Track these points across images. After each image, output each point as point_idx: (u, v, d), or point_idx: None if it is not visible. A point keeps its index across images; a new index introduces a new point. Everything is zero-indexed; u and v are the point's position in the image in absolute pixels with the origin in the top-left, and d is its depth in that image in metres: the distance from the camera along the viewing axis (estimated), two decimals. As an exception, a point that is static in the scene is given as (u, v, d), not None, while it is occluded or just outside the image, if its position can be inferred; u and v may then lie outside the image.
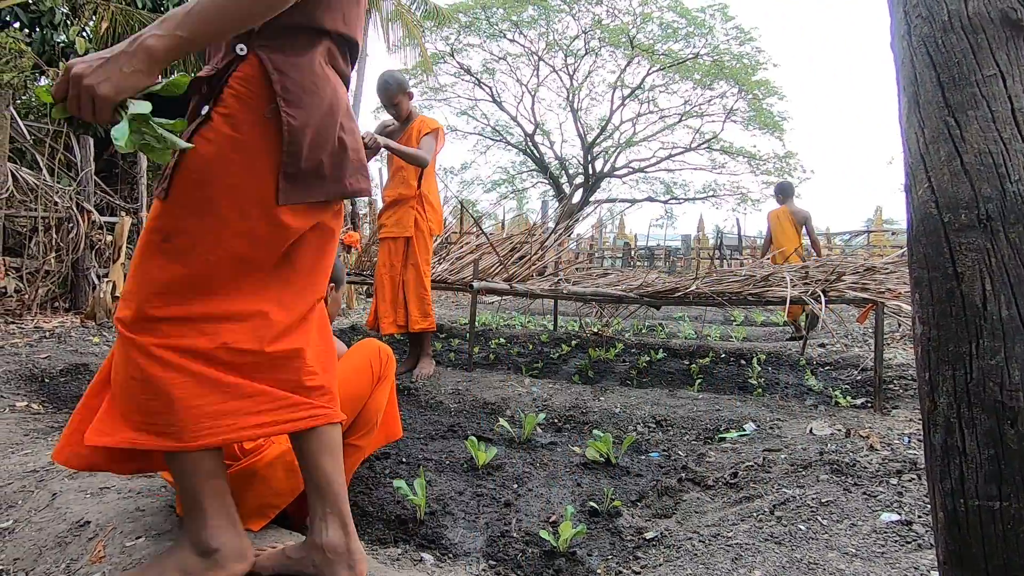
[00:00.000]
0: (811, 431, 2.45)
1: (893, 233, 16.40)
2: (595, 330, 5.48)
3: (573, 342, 5.07)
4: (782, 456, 2.15)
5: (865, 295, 2.95)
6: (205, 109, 1.06)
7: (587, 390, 3.29)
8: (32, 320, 4.99)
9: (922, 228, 0.73)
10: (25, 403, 2.76)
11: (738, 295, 3.31)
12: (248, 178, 1.05)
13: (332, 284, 1.80)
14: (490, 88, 20.08)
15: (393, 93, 3.30)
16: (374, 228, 4.42)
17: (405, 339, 4.52)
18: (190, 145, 1.00)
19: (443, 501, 1.91)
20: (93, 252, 5.56)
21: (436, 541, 1.70)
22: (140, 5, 6.58)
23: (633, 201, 22.20)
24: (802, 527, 1.59)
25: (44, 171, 5.43)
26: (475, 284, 3.66)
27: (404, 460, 2.24)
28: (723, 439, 2.59)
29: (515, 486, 2.06)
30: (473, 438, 2.19)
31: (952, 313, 0.69)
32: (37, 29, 5.49)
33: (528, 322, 6.71)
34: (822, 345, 4.96)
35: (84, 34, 5.58)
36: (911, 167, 0.73)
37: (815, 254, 5.77)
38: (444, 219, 3.97)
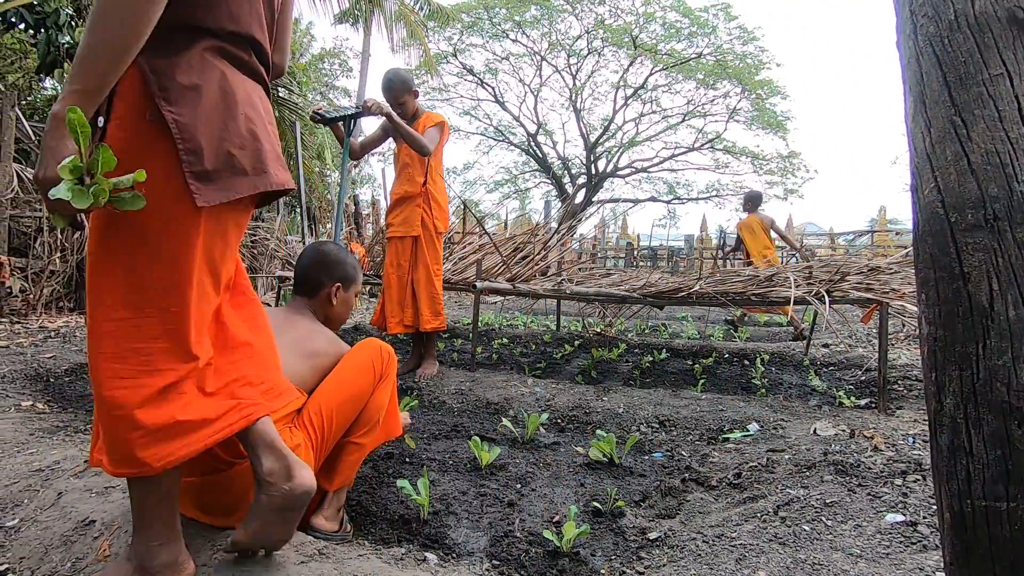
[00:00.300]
0: (815, 431, 2.44)
1: (897, 233, 16.34)
2: (598, 330, 5.48)
3: (576, 342, 5.06)
4: (786, 456, 2.15)
5: (869, 295, 2.94)
6: (101, 121, 1.06)
7: (590, 390, 3.29)
8: (37, 320, 5.01)
9: (928, 228, 0.72)
10: (30, 402, 2.77)
11: (742, 295, 3.31)
12: (152, 184, 1.03)
13: (339, 285, 1.80)
14: (493, 88, 20.10)
15: (399, 92, 3.28)
16: (377, 228, 4.43)
17: (406, 339, 4.53)
18: (142, 173, 0.99)
19: (446, 501, 1.91)
20: (98, 252, 5.58)
21: (440, 541, 1.70)
22: (144, 6, 6.61)
23: (636, 201, 22.20)
24: (806, 528, 1.58)
25: (49, 171, 5.45)
26: (478, 284, 3.66)
27: (408, 460, 2.25)
28: (727, 439, 2.59)
29: (518, 486, 2.06)
30: (476, 438, 2.19)
31: (959, 313, 0.68)
32: (42, 30, 5.52)
33: (531, 322, 6.71)
34: (826, 345, 4.94)
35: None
36: (917, 167, 0.73)
37: (792, 250, 6.10)
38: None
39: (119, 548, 1.37)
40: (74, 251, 5.44)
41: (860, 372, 3.89)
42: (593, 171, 20.56)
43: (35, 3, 5.40)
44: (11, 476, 1.80)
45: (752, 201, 6.60)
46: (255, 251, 7.33)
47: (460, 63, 19.47)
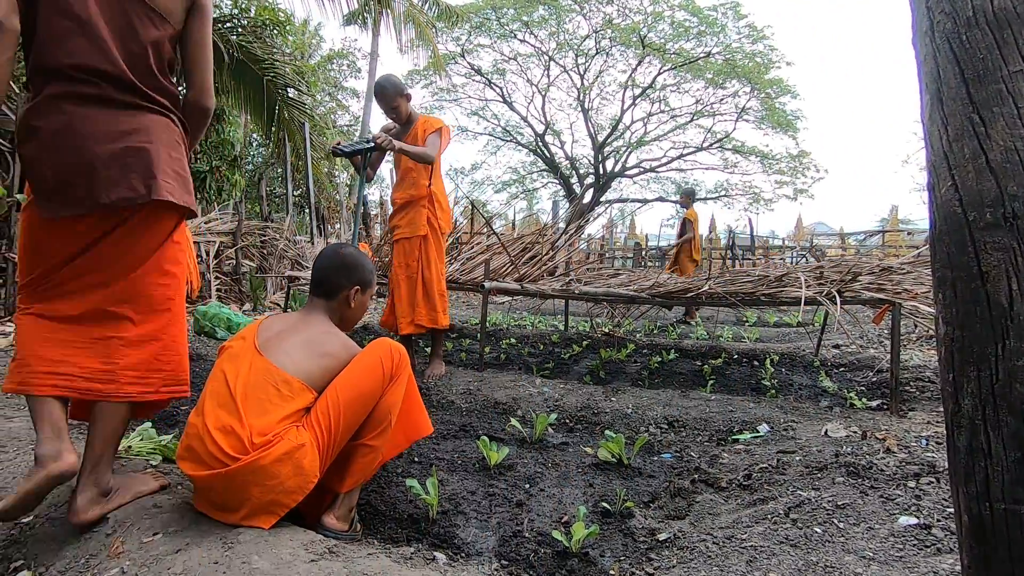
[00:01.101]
0: (826, 433, 2.42)
1: (909, 233, 16.18)
2: (606, 331, 5.46)
3: (584, 342, 5.05)
4: (796, 458, 2.13)
5: (881, 295, 2.91)
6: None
7: (599, 390, 3.28)
8: None
9: (945, 227, 0.71)
10: (44, 401, 2.79)
11: (751, 295, 3.29)
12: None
13: (357, 288, 1.80)
14: (500, 88, 20.12)
15: (391, 97, 3.31)
16: (385, 228, 4.44)
17: (414, 338, 4.54)
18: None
19: (455, 500, 1.91)
20: (110, 252, 5.63)
21: (448, 540, 1.70)
22: (156, 8, 6.67)
23: (644, 201, 22.14)
24: (818, 530, 1.57)
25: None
26: (486, 284, 3.67)
27: (416, 459, 2.25)
28: (736, 440, 2.57)
29: (527, 486, 2.06)
30: (485, 438, 2.19)
31: (977, 313, 0.67)
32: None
33: (539, 322, 6.71)
34: (836, 346, 4.90)
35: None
36: (934, 165, 0.72)
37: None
38: (455, 219, 4.00)
39: (132, 545, 1.39)
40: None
41: (871, 373, 3.85)
42: (601, 171, 20.53)
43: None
44: (25, 473, 1.82)
45: (689, 196, 7.69)
46: (265, 251, 7.38)
47: (468, 63, 19.51)
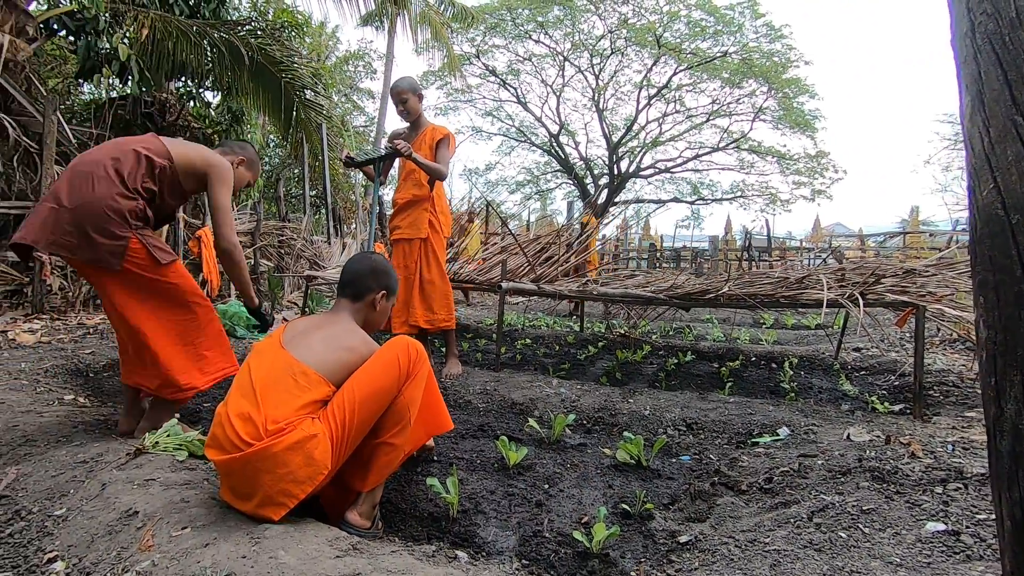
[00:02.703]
0: (848, 437, 2.39)
1: (931, 235, 15.89)
2: (622, 332, 5.44)
3: (600, 343, 5.04)
4: (819, 462, 2.11)
5: (905, 298, 2.87)
6: None
7: (615, 392, 3.27)
8: (76, 316, 5.17)
9: (987, 230, 0.70)
10: (72, 396, 2.86)
11: (771, 297, 3.25)
12: None
13: (384, 292, 1.85)
14: (515, 89, 20.11)
15: (402, 89, 3.37)
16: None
17: (430, 337, 4.56)
18: None
19: (475, 500, 1.92)
20: (132, 251, 5.74)
21: (469, 539, 1.71)
22: (178, 12, 6.78)
23: (659, 202, 22.00)
24: (843, 535, 1.55)
25: (87, 173, 5.63)
26: (503, 284, 3.67)
27: (435, 458, 2.26)
28: (756, 443, 2.55)
29: (546, 486, 2.06)
30: (504, 438, 2.20)
31: (1020, 316, 0.66)
32: (82, 36, 5.70)
33: (554, 323, 6.70)
34: (857, 349, 4.84)
35: (125, 41, 5.75)
36: (975, 167, 0.71)
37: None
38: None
39: (162, 539, 1.42)
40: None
41: (894, 377, 3.79)
42: (615, 171, 20.44)
43: (76, 10, 5.58)
44: (58, 467, 1.87)
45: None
46: (283, 251, 7.46)
47: (483, 64, 19.54)
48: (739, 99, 18.80)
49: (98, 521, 1.55)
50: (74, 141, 5.63)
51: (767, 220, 13.97)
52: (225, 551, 1.32)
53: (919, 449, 2.07)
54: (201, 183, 2.22)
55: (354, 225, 10.25)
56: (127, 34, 5.91)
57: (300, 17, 8.26)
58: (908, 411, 2.91)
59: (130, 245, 2.05)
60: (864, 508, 1.67)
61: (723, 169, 20.25)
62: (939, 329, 4.84)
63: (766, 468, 2.18)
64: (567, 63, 19.04)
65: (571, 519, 1.85)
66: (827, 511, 1.69)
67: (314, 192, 9.48)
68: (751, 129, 18.98)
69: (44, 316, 4.99)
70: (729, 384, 3.55)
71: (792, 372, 3.92)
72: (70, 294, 5.38)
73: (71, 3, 5.66)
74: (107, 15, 5.62)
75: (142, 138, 2.21)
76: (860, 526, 1.58)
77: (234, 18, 7.54)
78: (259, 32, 7.28)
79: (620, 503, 1.93)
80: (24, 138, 5.04)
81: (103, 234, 2.01)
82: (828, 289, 3.02)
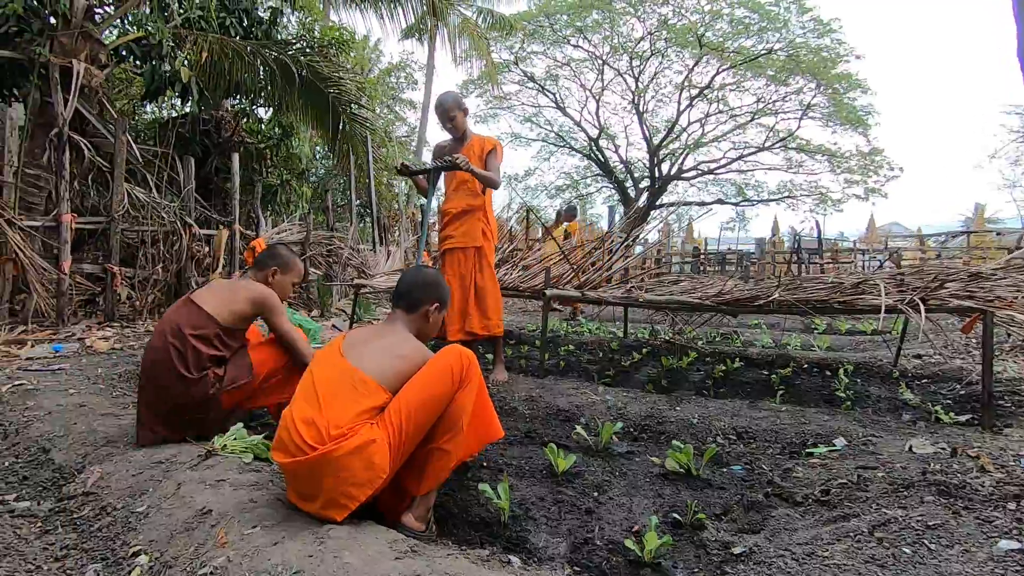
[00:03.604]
0: (911, 448, 2.30)
1: (999, 233, 14.96)
2: (667, 338, 5.37)
3: (644, 350, 4.99)
4: (879, 474, 2.04)
5: (971, 304, 2.74)
6: None
7: (662, 399, 3.24)
8: (143, 324, 5.50)
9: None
10: (144, 400, 3.04)
11: (825, 303, 3.16)
12: None
13: (437, 304, 1.92)
14: (554, 94, 20.16)
15: (449, 106, 3.43)
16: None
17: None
18: None
19: (525, 506, 1.95)
20: (193, 262, 6.07)
21: (521, 545, 1.74)
22: (233, 33, 7.14)
23: (702, 204, 21.56)
24: (907, 550, 1.50)
25: (153, 189, 5.99)
26: (547, 292, 3.70)
27: (485, 464, 2.31)
28: (810, 454, 2.48)
29: (595, 494, 2.07)
30: (552, 445, 2.22)
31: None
32: (148, 61, 6.08)
33: (597, 329, 6.67)
34: (918, 356, 4.62)
35: (186, 63, 6.10)
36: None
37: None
38: (511, 227, 4.07)
39: (234, 536, 1.51)
40: (174, 261, 5.93)
41: (959, 386, 3.61)
42: (657, 174, 20.17)
43: (143, 37, 5.96)
44: (137, 467, 2.01)
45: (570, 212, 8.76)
46: (330, 259, 7.71)
47: (521, 71, 19.68)
48: (786, 96, 18.28)
49: (175, 518, 1.66)
50: (140, 160, 5.99)
51: (817, 221, 13.49)
52: (293, 550, 1.39)
53: (989, 462, 1.98)
54: (256, 314, 2.33)
55: (398, 233, 10.48)
56: (188, 57, 6.27)
57: (346, 33, 8.53)
58: (976, 422, 2.78)
59: (209, 379, 2.21)
60: (930, 523, 1.61)
61: (769, 169, 19.71)
62: (1009, 335, 4.57)
63: (822, 480, 2.13)
64: (606, 66, 18.96)
65: (621, 527, 1.85)
66: (889, 526, 1.64)
67: (359, 202, 9.77)
68: (799, 127, 18.42)
69: (115, 324, 5.32)
70: (780, 392, 3.47)
71: (847, 380, 3.78)
72: (137, 303, 5.72)
73: (138, 31, 6.05)
74: (170, 40, 5.97)
75: (189, 316, 2.22)
76: (926, 542, 1.53)
77: (284, 37, 7.87)
78: (308, 50, 7.58)
79: (671, 512, 1.93)
80: (97, 158, 5.41)
81: (197, 411, 2.21)
82: (886, 295, 2.91)
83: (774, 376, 3.91)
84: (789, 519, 1.85)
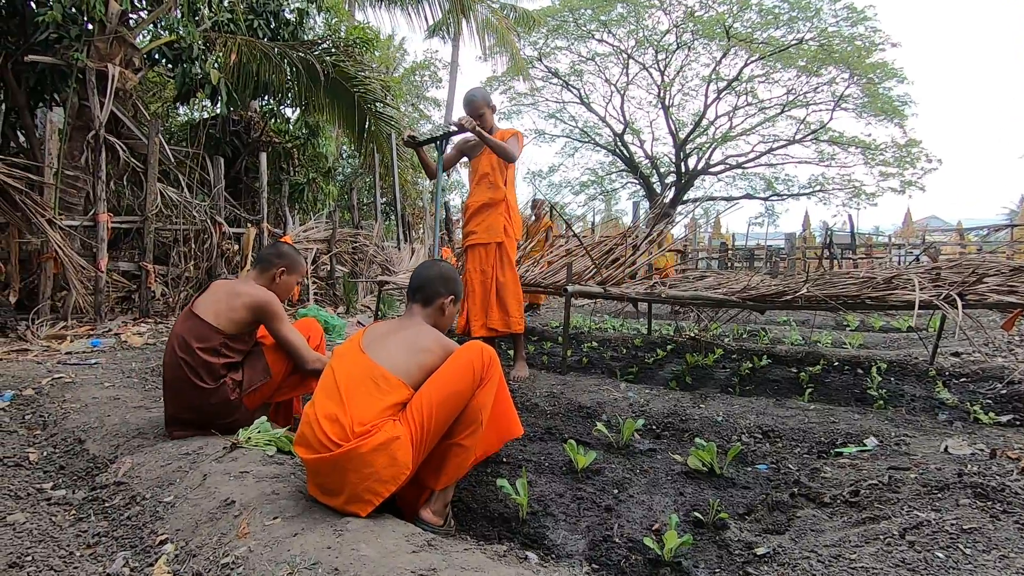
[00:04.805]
0: (946, 449, 2.21)
1: (1045, 227, 14.30)
2: (692, 334, 5.29)
3: (668, 346, 4.92)
4: (911, 476, 1.96)
5: (1013, 299, 2.62)
6: None
7: (686, 396, 3.19)
8: (175, 320, 5.66)
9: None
10: (175, 394, 3.13)
11: (855, 299, 3.06)
12: None
13: (452, 297, 1.93)
14: (578, 90, 20.01)
15: (479, 104, 3.46)
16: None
17: (497, 341, 4.62)
18: None
19: (544, 502, 1.94)
20: (223, 259, 6.22)
21: (539, 541, 1.73)
22: (261, 35, 7.28)
23: (729, 199, 21.15)
24: (940, 555, 1.45)
25: (184, 189, 6.15)
26: (569, 288, 3.67)
27: (504, 460, 2.30)
28: (839, 454, 2.41)
29: (615, 491, 2.05)
30: (572, 442, 2.20)
31: None
32: (180, 64, 6.24)
33: (621, 326, 6.61)
34: (956, 354, 4.45)
35: (216, 66, 6.23)
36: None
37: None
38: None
39: (256, 527, 1.53)
40: (205, 259, 6.09)
41: (1000, 385, 3.46)
42: (683, 169, 19.86)
43: (174, 40, 6.11)
44: (166, 458, 2.06)
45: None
46: (356, 256, 7.80)
47: (545, 67, 19.59)
48: (817, 88, 17.77)
49: (201, 508, 1.70)
50: (172, 160, 6.16)
51: (850, 215, 13.07)
52: (312, 541, 1.41)
53: (1030, 465, 1.89)
54: (257, 320, 2.29)
55: (422, 230, 10.56)
56: (218, 60, 6.41)
57: (371, 32, 8.61)
58: (1018, 422, 2.66)
59: (228, 386, 2.26)
60: (965, 527, 1.54)
61: (800, 162, 19.26)
62: (1055, 332, 4.37)
63: (851, 480, 2.06)
64: (631, 60, 18.73)
65: (641, 525, 1.83)
66: (922, 529, 1.58)
67: (384, 200, 9.87)
68: (831, 119, 17.90)
69: (149, 320, 5.49)
70: (809, 390, 3.37)
71: (880, 378, 3.66)
72: (170, 300, 5.89)
73: (170, 34, 6.21)
74: (200, 43, 6.12)
75: (193, 330, 2.21)
76: (960, 546, 1.47)
77: (310, 38, 7.99)
78: (333, 50, 7.67)
79: (692, 511, 1.89)
80: (132, 159, 5.58)
81: (222, 415, 2.26)
82: (921, 289, 2.81)
83: (803, 374, 3.81)
84: (816, 520, 1.80)
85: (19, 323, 4.61)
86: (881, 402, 3.16)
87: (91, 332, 4.84)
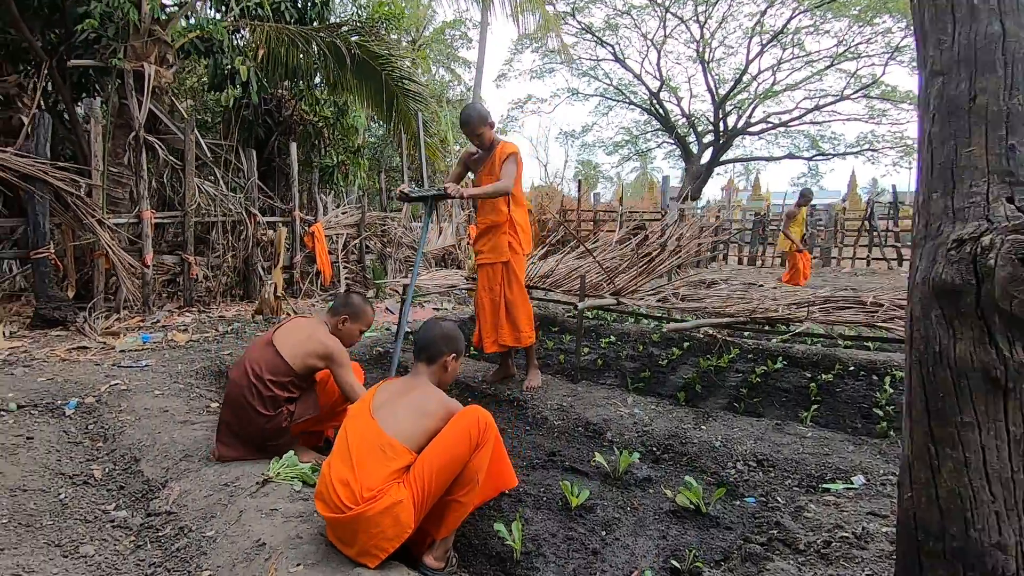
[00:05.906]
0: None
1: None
2: (710, 332, 5.34)
3: (685, 344, 5.01)
4: (883, 529, 2.08)
5: None
6: None
7: (689, 415, 3.33)
8: (216, 308, 6.05)
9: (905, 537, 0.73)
10: (217, 404, 3.46)
11: (867, 325, 3.09)
12: None
13: (454, 355, 2.12)
14: (612, 46, 19.27)
15: (475, 125, 3.55)
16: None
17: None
18: None
19: (537, 542, 2.15)
20: (259, 248, 6.53)
21: (528, 584, 1.95)
22: (288, 19, 7.32)
23: (771, 159, 20.38)
24: (884, 630, 1.59)
25: (220, 182, 6.42)
26: (579, 305, 3.79)
27: (506, 492, 2.52)
28: (827, 490, 2.53)
29: (603, 532, 2.24)
30: (566, 483, 2.39)
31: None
32: (211, 56, 6.40)
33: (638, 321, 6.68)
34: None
35: (245, 62, 6.36)
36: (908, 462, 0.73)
37: None
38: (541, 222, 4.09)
39: (282, 572, 1.79)
40: (241, 248, 6.41)
41: None
42: (721, 128, 19.14)
43: (204, 34, 6.25)
44: (208, 488, 2.35)
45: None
46: (384, 239, 8.03)
47: (578, 22, 18.87)
48: (870, 39, 16.65)
49: (237, 547, 1.97)
50: (208, 154, 6.41)
51: (894, 185, 12.43)
52: (327, 595, 1.65)
53: None
54: (325, 366, 2.59)
55: (451, 207, 10.67)
56: (246, 51, 6.52)
57: (395, 8, 8.51)
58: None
59: (283, 415, 2.55)
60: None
61: (848, 119, 18.44)
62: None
63: (830, 525, 2.20)
64: (669, 14, 17.84)
65: (623, 571, 2.02)
66: (875, 598, 1.71)
67: (412, 179, 9.98)
68: (884, 73, 16.83)
69: (193, 309, 5.89)
70: (813, 408, 3.45)
71: (892, 392, 3.69)
72: (211, 285, 6.28)
73: (199, 29, 6.34)
74: (228, 36, 6.23)
75: (270, 362, 2.51)
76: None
77: (338, 19, 7.97)
78: (359, 30, 7.66)
79: (671, 557, 2.07)
80: (170, 157, 5.85)
81: (271, 438, 2.55)
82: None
83: (813, 385, 3.87)
84: (785, 574, 1.96)
85: (77, 315, 5.04)
86: (884, 423, 3.21)
87: (141, 324, 5.26)
